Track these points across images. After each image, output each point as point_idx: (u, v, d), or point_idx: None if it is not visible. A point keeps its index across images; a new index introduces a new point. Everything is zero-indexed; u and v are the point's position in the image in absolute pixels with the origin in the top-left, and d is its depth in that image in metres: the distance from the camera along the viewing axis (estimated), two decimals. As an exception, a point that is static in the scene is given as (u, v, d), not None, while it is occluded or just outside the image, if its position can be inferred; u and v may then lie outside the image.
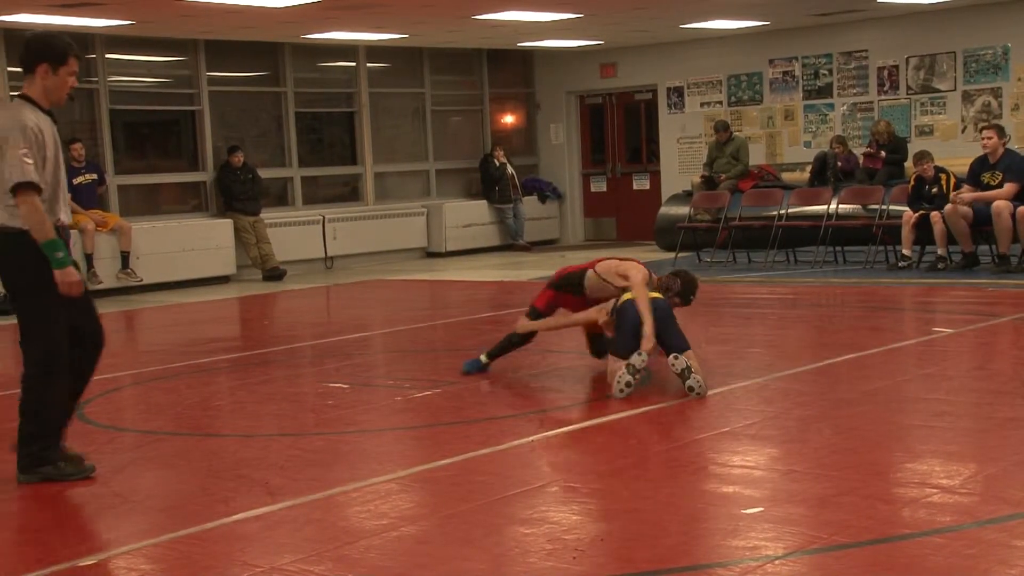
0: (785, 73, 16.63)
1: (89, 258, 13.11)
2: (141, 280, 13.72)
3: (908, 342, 8.43)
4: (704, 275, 12.52)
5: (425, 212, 17.14)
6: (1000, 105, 14.98)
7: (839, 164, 14.50)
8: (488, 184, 17.68)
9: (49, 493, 5.15)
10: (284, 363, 8.68)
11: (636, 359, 6.48)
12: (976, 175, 11.78)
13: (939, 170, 12.13)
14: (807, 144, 16.39)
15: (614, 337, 6.83)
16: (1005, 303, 9.90)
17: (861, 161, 14.50)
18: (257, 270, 14.96)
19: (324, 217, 16.00)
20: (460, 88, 18.37)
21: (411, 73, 17.58)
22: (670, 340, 6.63)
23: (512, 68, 18.90)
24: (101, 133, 14.40)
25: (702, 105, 17.42)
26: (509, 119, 19.07)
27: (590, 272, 7.17)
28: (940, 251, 11.86)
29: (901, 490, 4.74)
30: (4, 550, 4.47)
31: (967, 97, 15.23)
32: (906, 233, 12.11)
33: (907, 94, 15.67)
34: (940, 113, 15.45)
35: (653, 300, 6.75)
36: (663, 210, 15.93)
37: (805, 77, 16.47)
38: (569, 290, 7.31)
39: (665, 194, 17.05)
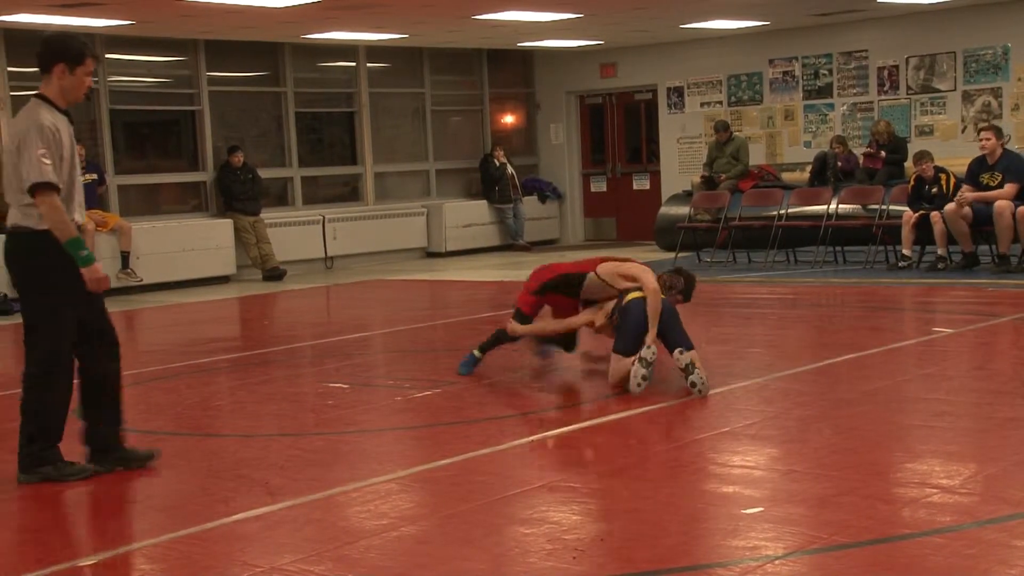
0: (785, 73, 16.63)
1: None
2: (141, 280, 13.72)
3: (908, 342, 8.44)
4: (704, 275, 12.54)
5: (425, 212, 17.14)
6: (1000, 105, 14.98)
7: (839, 164, 14.50)
8: (488, 184, 17.68)
9: (49, 493, 5.15)
10: (284, 363, 8.68)
11: (647, 352, 6.49)
12: (975, 175, 11.78)
13: (939, 170, 12.13)
14: (807, 144, 16.39)
15: (617, 336, 6.83)
16: (1005, 303, 9.90)
17: (861, 161, 14.50)
18: (257, 270, 14.96)
19: (324, 217, 16.00)
20: (460, 88, 18.37)
21: (411, 73, 17.58)
22: (675, 339, 6.66)
23: (512, 68, 18.90)
24: (101, 133, 14.40)
25: (702, 105, 17.42)
26: (509, 119, 19.07)
27: (591, 275, 7.12)
28: (940, 251, 11.86)
29: (901, 490, 4.74)
30: (4, 550, 4.47)
31: (967, 97, 15.23)
32: (906, 233, 12.11)
33: (907, 94, 15.67)
34: (940, 113, 15.45)
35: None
36: (663, 210, 15.93)
37: (805, 77, 16.47)
38: (564, 291, 7.27)
39: (665, 194, 17.05)
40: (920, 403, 6.32)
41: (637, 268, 6.99)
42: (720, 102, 17.24)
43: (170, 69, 15.36)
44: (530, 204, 18.20)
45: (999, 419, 5.80)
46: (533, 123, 19.21)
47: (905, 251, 12.19)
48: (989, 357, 7.88)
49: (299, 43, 15.80)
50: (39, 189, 5.04)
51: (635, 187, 18.50)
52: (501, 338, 7.44)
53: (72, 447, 5.41)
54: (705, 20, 15.25)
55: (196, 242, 14.45)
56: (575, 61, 18.37)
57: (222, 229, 14.76)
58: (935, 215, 11.79)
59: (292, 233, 15.60)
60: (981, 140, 11.80)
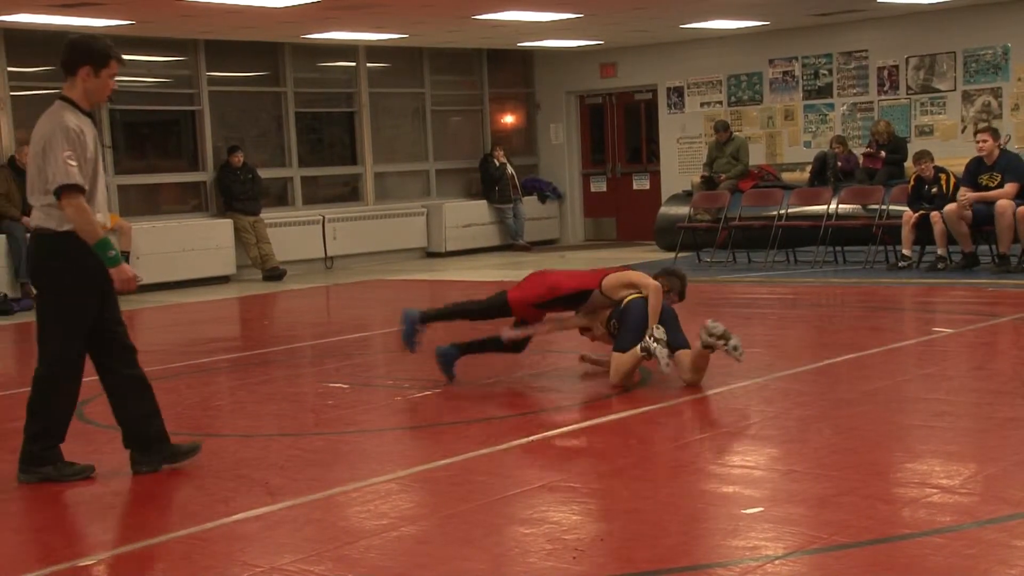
0: (785, 73, 16.63)
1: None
2: (141, 280, 13.69)
3: (908, 342, 8.44)
4: (704, 275, 12.56)
5: (425, 212, 17.14)
6: (1000, 105, 14.98)
7: (839, 164, 14.50)
8: (488, 184, 17.68)
9: (49, 493, 5.15)
10: (284, 363, 8.68)
11: (658, 332, 6.52)
12: (973, 176, 11.78)
13: (939, 170, 12.14)
14: (807, 144, 16.39)
15: (619, 335, 6.83)
16: (1005, 303, 9.90)
17: (861, 161, 14.51)
18: (257, 270, 14.96)
19: (324, 217, 16.00)
20: (460, 88, 18.37)
21: (411, 73, 17.58)
22: (675, 340, 6.73)
23: (512, 68, 18.90)
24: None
25: (702, 105, 17.42)
26: (509, 119, 19.07)
27: (596, 292, 7.09)
28: (940, 251, 11.86)
29: (901, 490, 4.74)
30: (4, 550, 4.46)
31: (967, 97, 15.23)
32: (906, 233, 12.11)
33: (907, 94, 15.67)
34: (940, 113, 15.45)
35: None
36: (663, 210, 15.93)
37: (805, 77, 16.47)
38: (565, 305, 7.23)
39: (665, 194, 17.05)
40: (920, 403, 6.32)
41: (636, 275, 7.05)
42: (720, 102, 17.24)
43: (170, 69, 15.36)
44: (530, 204, 18.20)
45: (999, 419, 5.80)
46: (533, 123, 19.21)
47: (905, 251, 12.19)
48: (989, 357, 7.88)
49: (299, 43, 15.81)
50: (65, 191, 5.05)
51: (635, 187, 18.50)
52: (486, 347, 7.40)
53: (73, 447, 5.41)
54: (705, 20, 15.25)
55: (196, 242, 14.45)
56: (575, 61, 18.37)
57: (222, 229, 14.77)
58: (935, 215, 11.79)
59: (292, 233, 15.60)
60: (978, 142, 11.80)
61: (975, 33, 15.01)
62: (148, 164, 15.28)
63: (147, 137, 15.65)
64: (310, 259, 15.82)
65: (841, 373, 7.22)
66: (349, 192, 17.02)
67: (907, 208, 12.23)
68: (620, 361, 6.68)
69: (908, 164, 13.83)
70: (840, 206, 13.66)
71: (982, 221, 11.61)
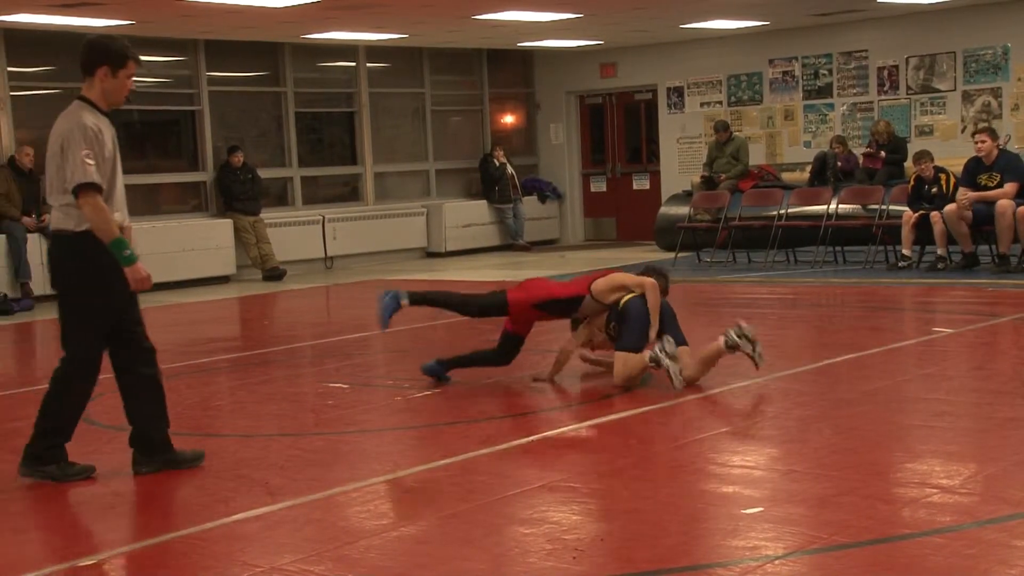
0: (785, 73, 16.63)
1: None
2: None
3: (908, 342, 8.44)
4: (704, 275, 12.57)
5: (425, 212, 17.14)
6: (1000, 105, 14.98)
7: (839, 164, 14.50)
8: (488, 184, 17.68)
9: (49, 493, 5.15)
10: (284, 363, 8.68)
11: (667, 344, 6.52)
12: (972, 176, 11.78)
13: (939, 170, 12.14)
14: (807, 144, 16.39)
15: (622, 335, 6.83)
16: (1005, 303, 9.90)
17: (861, 161, 14.50)
18: (257, 270, 14.96)
19: (324, 217, 16.00)
20: (460, 88, 18.37)
21: (411, 73, 17.58)
22: (676, 339, 6.73)
23: (512, 68, 18.90)
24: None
25: (702, 105, 17.42)
26: (509, 119, 19.07)
27: (587, 299, 7.10)
28: (940, 251, 11.86)
29: (901, 490, 4.74)
30: (4, 550, 4.46)
31: (967, 97, 15.23)
32: (906, 233, 12.11)
33: (907, 94, 15.67)
34: (940, 113, 15.45)
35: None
36: (663, 210, 15.93)
37: (805, 77, 16.47)
38: (554, 312, 7.25)
39: (665, 194, 17.04)
40: (920, 403, 6.32)
41: (625, 276, 7.09)
42: (720, 102, 17.24)
43: (170, 69, 15.36)
44: (530, 204, 18.20)
45: (999, 419, 5.80)
46: (533, 123, 19.21)
47: (905, 251, 12.19)
48: (989, 357, 7.88)
49: (299, 43, 15.81)
50: (83, 190, 5.07)
51: (635, 187, 18.50)
52: (475, 361, 7.41)
53: (73, 447, 5.41)
54: (705, 20, 15.25)
55: (196, 242, 14.45)
56: (575, 61, 18.37)
57: (222, 229, 14.77)
58: (935, 215, 11.79)
59: (292, 233, 15.60)
60: (976, 143, 11.79)
61: (975, 33, 15.01)
62: (148, 164, 15.27)
63: (147, 137, 15.64)
64: (310, 259, 15.82)
65: (841, 373, 7.22)
66: (349, 192, 17.02)
67: (907, 208, 12.23)
68: (628, 363, 6.67)
69: (908, 164, 13.83)
70: (840, 206, 13.66)
71: (982, 221, 11.61)
